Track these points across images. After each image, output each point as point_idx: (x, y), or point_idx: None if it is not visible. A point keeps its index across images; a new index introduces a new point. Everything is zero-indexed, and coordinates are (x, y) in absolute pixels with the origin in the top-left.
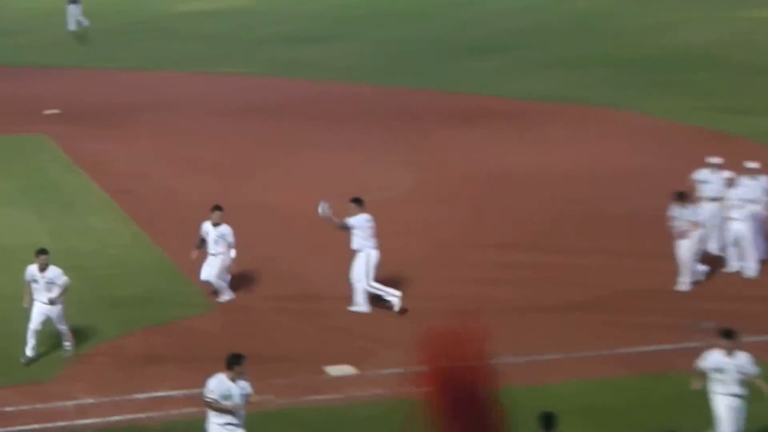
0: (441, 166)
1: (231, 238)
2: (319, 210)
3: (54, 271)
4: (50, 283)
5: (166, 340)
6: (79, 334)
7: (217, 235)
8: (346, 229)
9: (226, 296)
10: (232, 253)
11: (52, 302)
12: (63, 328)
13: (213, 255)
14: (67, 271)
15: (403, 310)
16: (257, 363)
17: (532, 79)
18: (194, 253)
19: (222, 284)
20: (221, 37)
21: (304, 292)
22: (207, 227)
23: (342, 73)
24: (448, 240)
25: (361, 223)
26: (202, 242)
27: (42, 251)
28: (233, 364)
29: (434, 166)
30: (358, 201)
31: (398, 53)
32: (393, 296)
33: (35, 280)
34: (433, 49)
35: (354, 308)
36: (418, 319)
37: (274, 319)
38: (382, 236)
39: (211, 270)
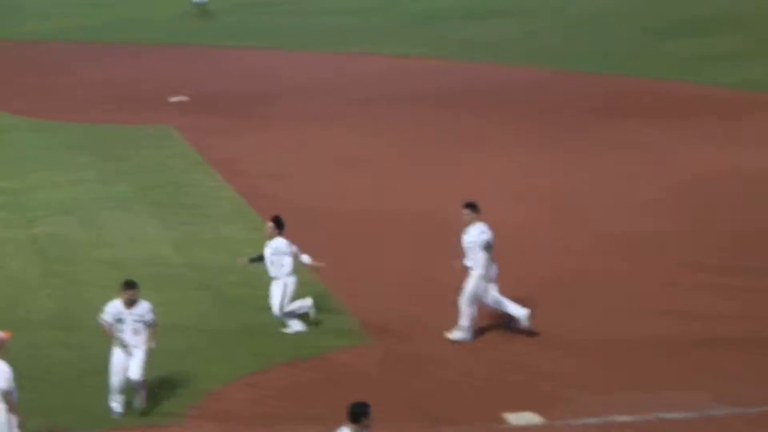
0: (650, 169)
1: (288, 254)
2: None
3: (143, 307)
4: (138, 322)
5: (312, 377)
6: (208, 367)
7: (270, 252)
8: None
9: (295, 327)
10: (289, 276)
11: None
12: (138, 378)
13: (274, 279)
14: (195, 290)
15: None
16: (419, 407)
17: (741, 65)
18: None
19: (289, 313)
20: (369, 11)
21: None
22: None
23: (507, 54)
24: (648, 258)
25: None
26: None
27: (130, 285)
28: (359, 415)
29: (647, 169)
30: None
31: (583, 32)
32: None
33: (120, 320)
34: (627, 27)
35: (453, 336)
36: (603, 355)
37: (439, 353)
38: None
39: (274, 299)
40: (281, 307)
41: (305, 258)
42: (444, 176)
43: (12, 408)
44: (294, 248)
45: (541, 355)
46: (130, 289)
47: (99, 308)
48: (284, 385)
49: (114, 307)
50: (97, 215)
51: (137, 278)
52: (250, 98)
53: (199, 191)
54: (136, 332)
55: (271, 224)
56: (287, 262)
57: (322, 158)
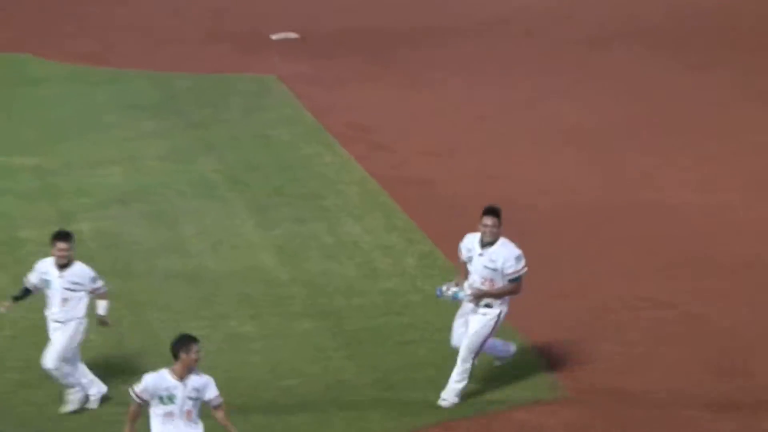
0: None
1: None
2: None
3: (80, 270)
4: (70, 290)
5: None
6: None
7: None
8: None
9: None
10: None
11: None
12: (69, 375)
13: None
14: (308, 320)
15: None
16: None
17: None
18: None
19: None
20: None
21: (734, 365)
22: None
23: None
24: None
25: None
26: None
27: (62, 236)
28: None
29: None
30: None
31: None
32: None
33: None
34: None
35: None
36: None
37: (683, 415)
38: None
39: None
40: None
41: None
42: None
43: None
44: None
45: None
46: (61, 241)
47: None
48: None
49: (44, 265)
50: (166, 207)
51: (224, 299)
52: (388, 36)
53: (314, 173)
54: (64, 302)
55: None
56: None
57: (499, 126)
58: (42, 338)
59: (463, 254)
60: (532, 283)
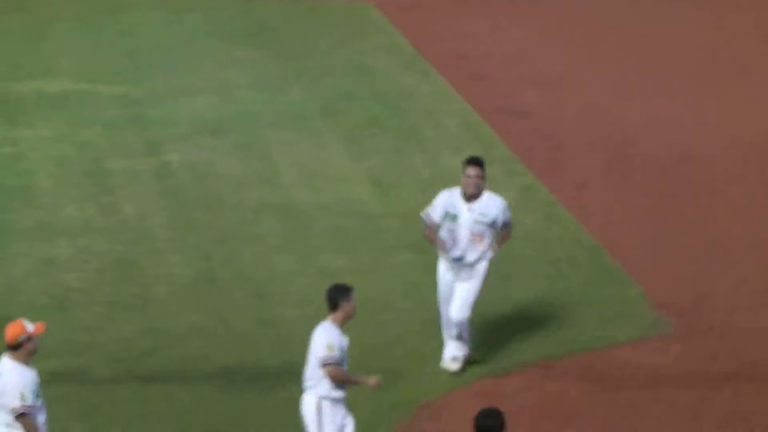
0: None
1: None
2: None
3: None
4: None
5: (569, 384)
6: (422, 368)
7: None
8: None
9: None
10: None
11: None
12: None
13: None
14: (403, 253)
15: None
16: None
17: None
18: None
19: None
20: None
21: None
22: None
23: None
24: None
25: None
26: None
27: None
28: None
29: None
30: None
31: None
32: None
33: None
34: None
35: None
36: None
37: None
38: None
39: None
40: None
41: None
42: None
43: None
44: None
45: None
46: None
47: (262, 277)
48: (527, 398)
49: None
50: (258, 138)
51: (317, 232)
52: None
53: (411, 103)
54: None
55: None
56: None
57: (607, 57)
58: (130, 272)
59: (438, 215)
60: (637, 218)
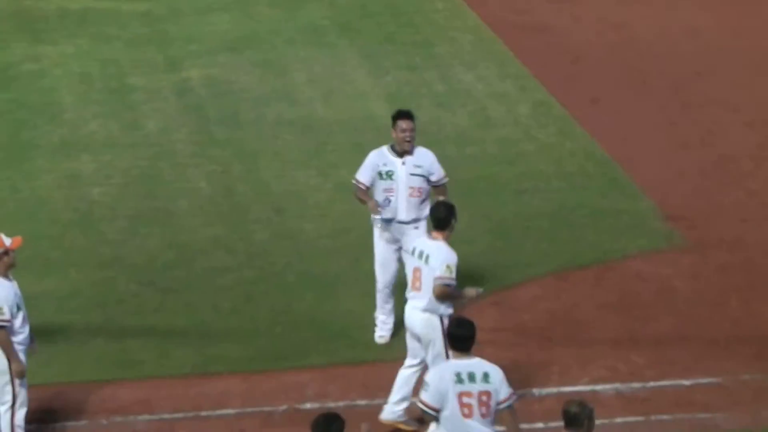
0: None
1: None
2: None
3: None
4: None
5: (585, 292)
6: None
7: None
8: None
9: None
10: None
11: None
12: None
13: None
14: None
15: None
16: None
17: None
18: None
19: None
20: None
21: None
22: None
23: None
24: None
25: None
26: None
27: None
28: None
29: None
30: None
31: None
32: None
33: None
34: None
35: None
36: None
37: None
38: None
39: None
40: None
41: None
42: None
43: (9, 352)
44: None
45: None
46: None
47: (280, 191)
48: (541, 308)
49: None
50: (276, 54)
51: (335, 148)
52: None
53: (426, 19)
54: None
55: None
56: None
57: None
58: (152, 187)
59: (368, 176)
60: (650, 132)
